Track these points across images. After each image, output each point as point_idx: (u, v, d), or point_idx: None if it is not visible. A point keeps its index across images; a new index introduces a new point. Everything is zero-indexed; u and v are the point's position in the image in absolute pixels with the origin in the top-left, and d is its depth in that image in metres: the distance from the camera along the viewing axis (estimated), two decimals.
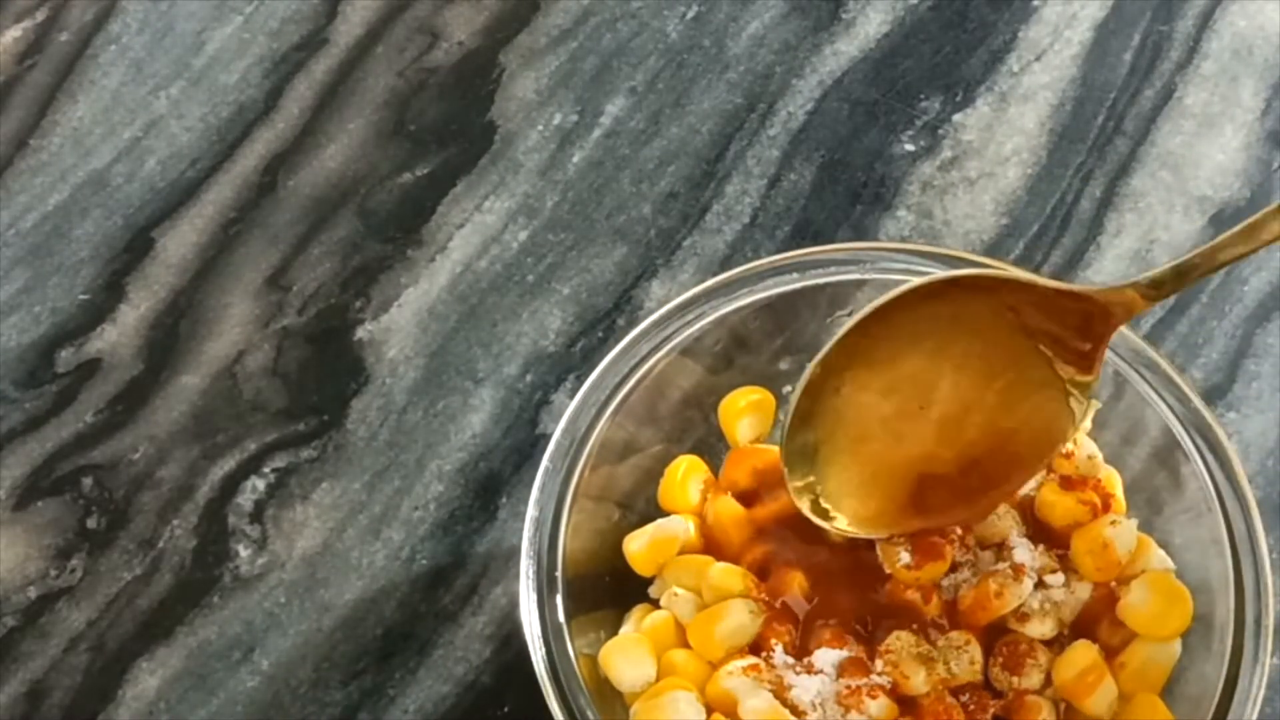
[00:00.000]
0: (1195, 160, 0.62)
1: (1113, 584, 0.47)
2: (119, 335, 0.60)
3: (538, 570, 0.46)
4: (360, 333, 0.60)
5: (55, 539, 0.56)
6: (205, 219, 0.62)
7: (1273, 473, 0.56)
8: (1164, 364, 0.48)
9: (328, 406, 0.58)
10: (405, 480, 0.57)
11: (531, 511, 0.47)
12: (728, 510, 0.49)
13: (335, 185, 0.63)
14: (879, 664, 0.45)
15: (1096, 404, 0.49)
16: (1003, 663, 0.46)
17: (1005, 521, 0.47)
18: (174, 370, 0.59)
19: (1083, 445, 0.48)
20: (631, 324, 0.55)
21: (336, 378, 0.59)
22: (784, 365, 0.53)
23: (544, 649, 0.45)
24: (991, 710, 0.46)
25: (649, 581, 0.50)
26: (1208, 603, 0.46)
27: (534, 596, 0.46)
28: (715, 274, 0.51)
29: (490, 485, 0.57)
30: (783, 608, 0.47)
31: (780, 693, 0.45)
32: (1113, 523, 0.47)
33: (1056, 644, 0.47)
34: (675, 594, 0.48)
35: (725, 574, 0.47)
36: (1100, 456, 0.49)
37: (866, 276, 0.50)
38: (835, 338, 0.45)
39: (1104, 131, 0.63)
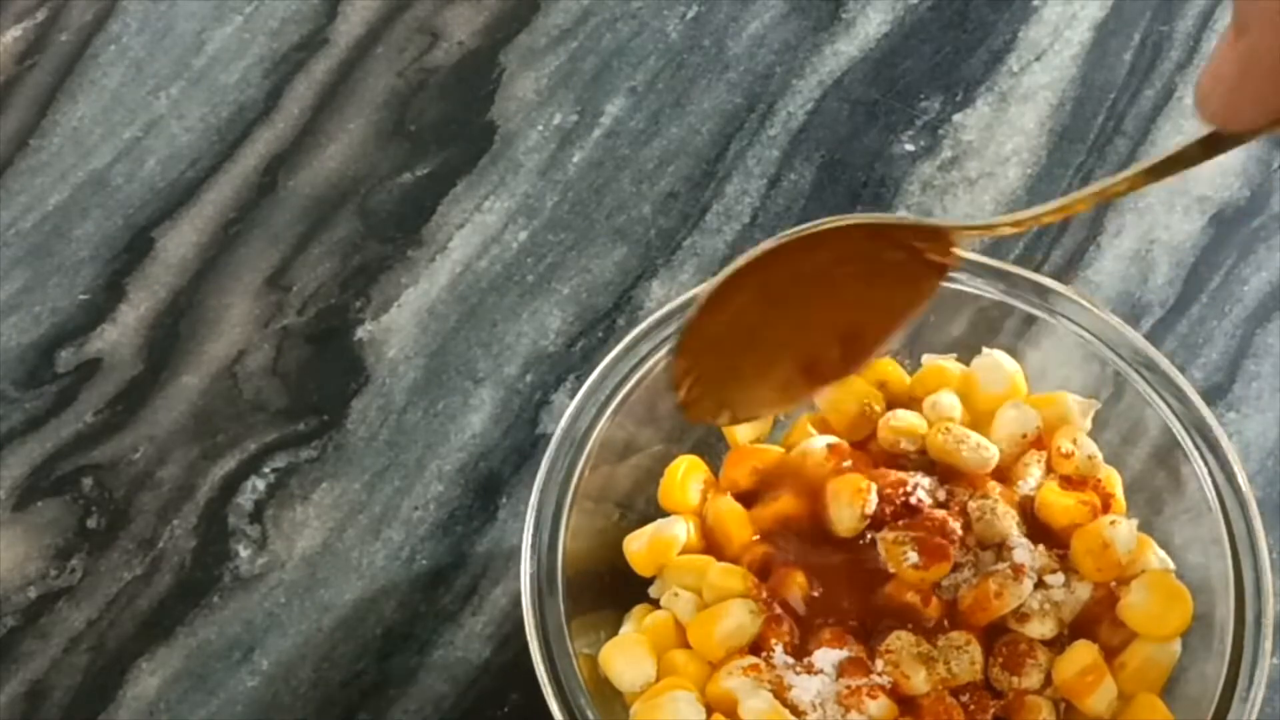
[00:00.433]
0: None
1: (1113, 584, 0.47)
2: (119, 335, 0.60)
3: (538, 570, 0.46)
4: (360, 333, 0.60)
5: (55, 539, 0.56)
6: (205, 219, 0.62)
7: (1273, 473, 0.56)
8: (1164, 364, 0.48)
9: (328, 406, 0.58)
10: (405, 480, 0.57)
11: (531, 511, 0.47)
12: (728, 510, 0.49)
13: (335, 185, 0.63)
14: (879, 664, 0.45)
15: (1096, 403, 0.49)
16: (1002, 663, 0.46)
17: (1005, 521, 0.47)
18: (174, 370, 0.59)
19: (1083, 445, 0.48)
20: (631, 324, 0.55)
21: (336, 378, 0.59)
22: None
23: (544, 649, 0.45)
24: (991, 710, 0.46)
25: (649, 581, 0.50)
26: (1208, 602, 0.46)
27: (534, 596, 0.46)
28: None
29: (490, 485, 0.57)
30: (783, 607, 0.47)
31: (780, 693, 0.45)
32: (1112, 523, 0.47)
33: (1056, 644, 0.47)
34: (675, 594, 0.48)
35: (725, 574, 0.47)
36: (1100, 456, 0.49)
37: None
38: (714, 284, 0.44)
39: (1104, 131, 0.63)
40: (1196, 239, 0.60)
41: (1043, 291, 0.49)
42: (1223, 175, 0.62)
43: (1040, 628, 0.46)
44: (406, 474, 0.57)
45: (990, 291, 0.49)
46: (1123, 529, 0.47)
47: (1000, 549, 0.47)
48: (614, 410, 0.49)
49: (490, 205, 0.62)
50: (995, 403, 0.50)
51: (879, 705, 0.45)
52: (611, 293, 0.60)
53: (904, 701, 0.45)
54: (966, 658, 0.46)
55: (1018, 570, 0.46)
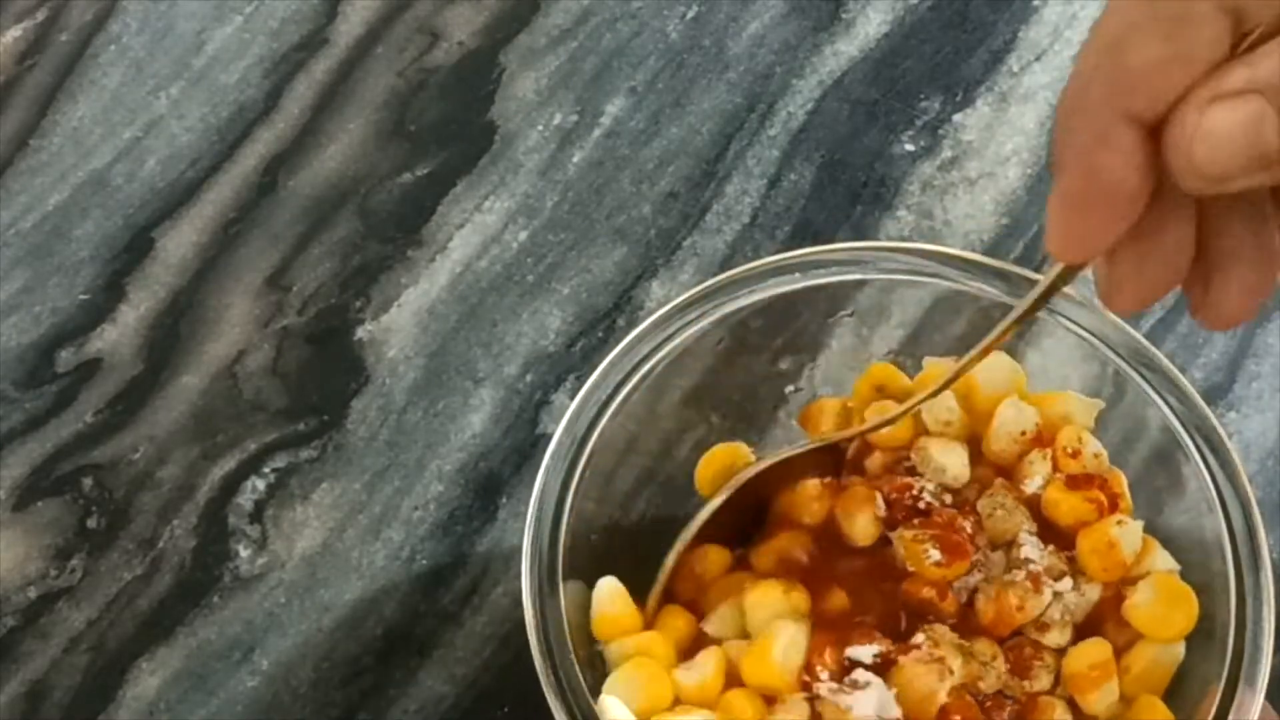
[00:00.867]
0: None
1: (1120, 586, 0.47)
2: (119, 335, 0.60)
3: (538, 569, 0.46)
4: (360, 333, 0.60)
5: (55, 539, 0.56)
6: (205, 219, 0.62)
7: (1273, 473, 0.56)
8: (1165, 364, 0.48)
9: (328, 406, 0.58)
10: (405, 480, 0.57)
11: (532, 510, 0.47)
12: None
13: (335, 185, 0.63)
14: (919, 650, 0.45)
15: (1100, 403, 0.49)
16: (1010, 668, 0.46)
17: (1016, 517, 0.47)
18: (174, 370, 0.59)
19: (1088, 443, 0.48)
20: (631, 324, 0.55)
21: (336, 378, 0.59)
22: (784, 365, 0.53)
23: (544, 647, 0.45)
24: (1007, 710, 0.46)
25: (651, 582, 0.50)
26: (1208, 603, 0.46)
27: (535, 595, 0.46)
28: (715, 274, 0.51)
29: (490, 485, 0.57)
30: (820, 622, 0.47)
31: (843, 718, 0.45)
32: (1119, 522, 0.47)
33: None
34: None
35: (765, 590, 0.47)
36: (1105, 455, 0.49)
37: (867, 277, 0.50)
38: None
39: None
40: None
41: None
42: None
43: (1059, 638, 0.46)
44: (406, 474, 0.57)
45: (990, 291, 0.49)
46: (1129, 529, 0.47)
47: (1009, 547, 0.47)
48: (615, 410, 0.49)
49: (490, 205, 0.62)
50: (996, 405, 0.50)
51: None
52: (611, 293, 0.60)
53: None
54: (994, 672, 0.46)
55: (1035, 580, 0.46)
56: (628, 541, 0.51)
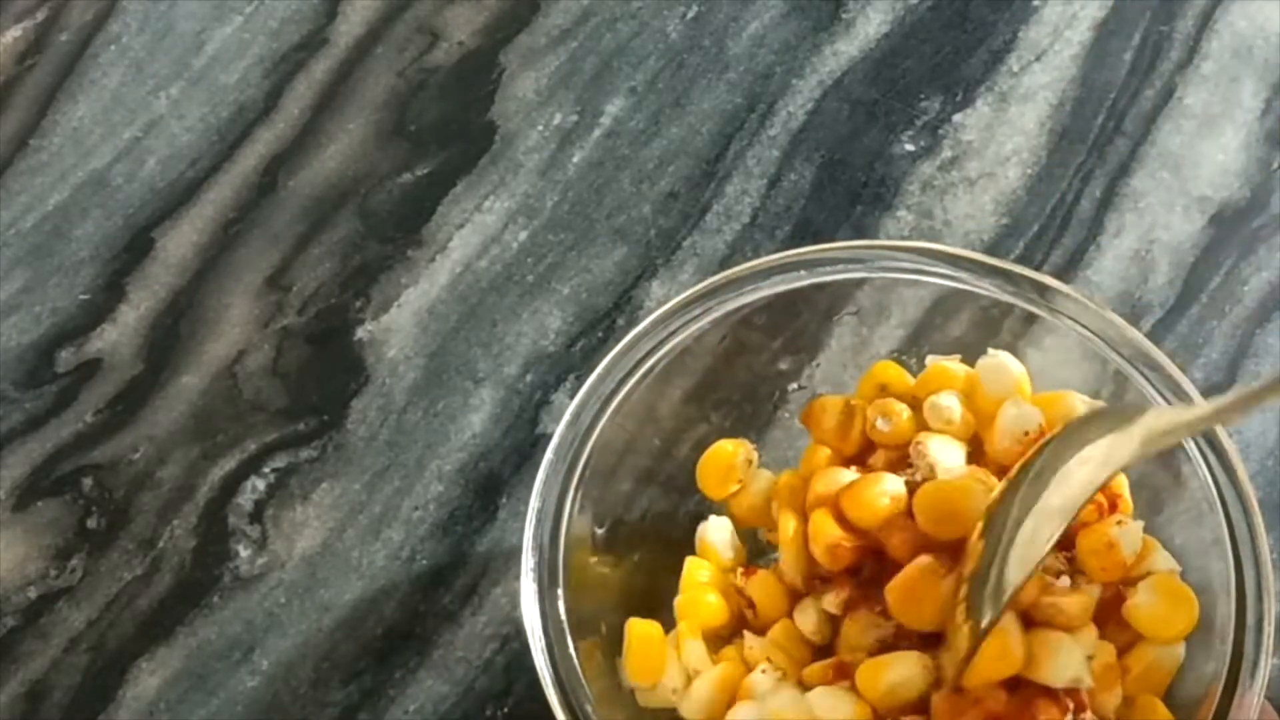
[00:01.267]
0: (1195, 160, 0.62)
1: (1120, 587, 0.47)
2: (119, 335, 0.60)
3: (539, 567, 0.46)
4: (360, 333, 0.60)
5: (55, 539, 0.56)
6: (205, 219, 0.62)
7: (1273, 473, 0.56)
8: (1166, 364, 0.48)
9: (328, 406, 0.58)
10: (405, 480, 0.57)
11: (533, 508, 0.47)
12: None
13: (335, 185, 0.63)
14: None
15: (1101, 404, 0.49)
16: None
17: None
18: (174, 370, 0.59)
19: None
20: (631, 324, 0.55)
21: (336, 378, 0.59)
22: (784, 365, 0.53)
23: (545, 646, 0.45)
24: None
25: (651, 585, 0.50)
26: (1209, 604, 0.46)
27: (535, 593, 0.46)
28: (715, 274, 0.51)
29: (490, 485, 0.57)
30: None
31: None
32: (1119, 523, 0.47)
33: None
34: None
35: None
36: None
37: (867, 275, 0.50)
38: None
39: (1104, 131, 0.63)
40: (1196, 239, 0.60)
41: (1044, 290, 0.49)
42: (1223, 175, 0.62)
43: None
44: (406, 474, 0.57)
45: (991, 290, 0.49)
46: (1129, 529, 0.46)
47: None
48: (615, 408, 0.49)
49: (490, 205, 0.62)
50: (999, 405, 0.49)
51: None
52: (611, 293, 0.60)
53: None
54: None
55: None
56: (628, 541, 0.51)
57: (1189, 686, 0.46)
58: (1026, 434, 0.49)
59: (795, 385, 0.54)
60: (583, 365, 0.59)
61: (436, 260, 0.61)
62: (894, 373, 0.51)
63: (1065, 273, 0.60)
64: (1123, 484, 0.49)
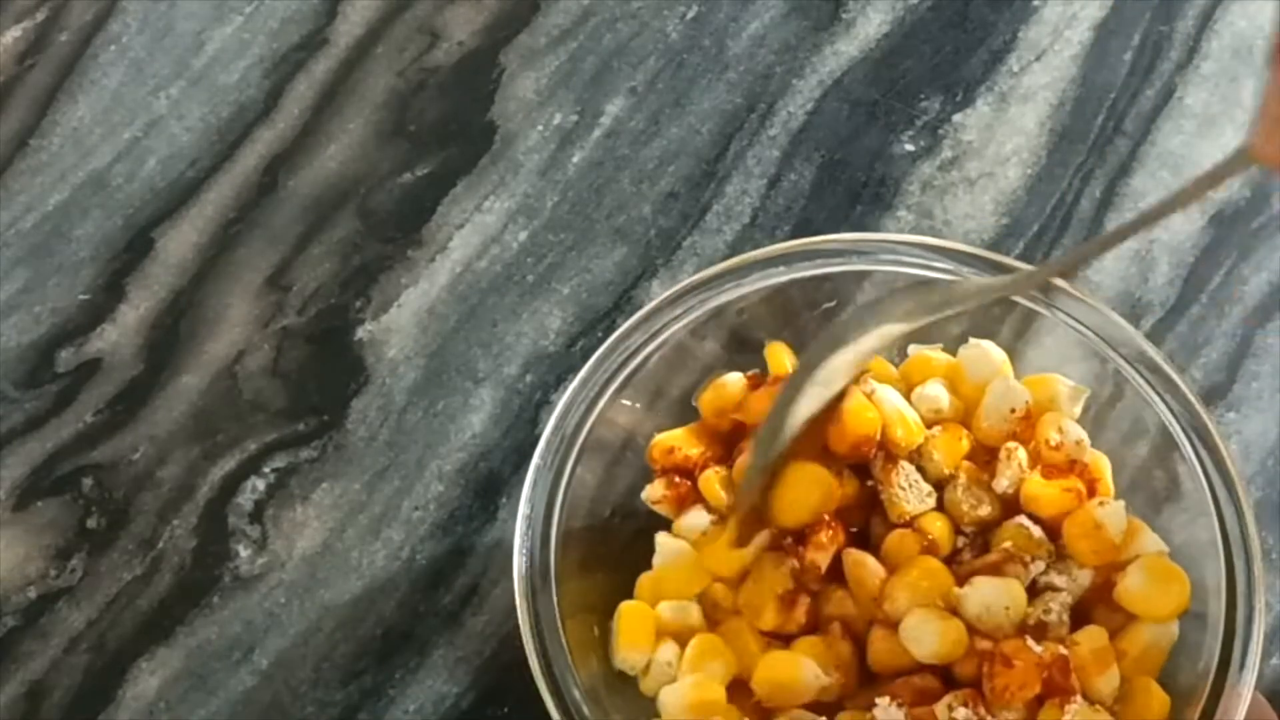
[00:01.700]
0: (1195, 160, 0.62)
1: (1109, 573, 0.47)
2: (119, 335, 0.60)
3: (530, 566, 0.47)
4: (360, 333, 0.60)
5: (55, 539, 0.56)
6: (205, 219, 0.62)
7: (1273, 473, 0.56)
8: (1164, 365, 0.48)
9: (328, 406, 0.58)
10: (405, 480, 0.57)
11: (523, 508, 0.47)
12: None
13: (335, 185, 0.63)
14: None
15: (1087, 390, 0.49)
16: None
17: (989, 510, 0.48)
18: (174, 370, 0.59)
19: (1069, 431, 0.48)
20: None
21: (336, 378, 0.59)
22: None
23: (537, 644, 0.46)
24: None
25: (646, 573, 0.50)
26: (1203, 602, 0.46)
27: (527, 592, 0.46)
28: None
29: (490, 485, 0.57)
30: None
31: None
32: (1101, 504, 0.47)
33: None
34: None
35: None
36: (1087, 440, 0.49)
37: (864, 268, 0.50)
38: None
39: (1104, 131, 0.63)
40: (1196, 239, 0.60)
41: (1044, 287, 0.49)
42: None
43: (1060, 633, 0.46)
44: (406, 474, 0.57)
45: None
46: (1112, 509, 0.47)
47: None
48: (605, 405, 0.49)
49: (490, 205, 0.62)
50: (983, 392, 0.50)
51: None
52: (611, 293, 0.60)
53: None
54: None
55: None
56: (621, 539, 0.51)
57: (1181, 682, 0.46)
58: (1013, 411, 0.49)
59: None
60: (583, 365, 0.58)
61: (436, 260, 0.61)
62: (876, 362, 0.52)
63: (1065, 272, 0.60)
64: (1104, 468, 0.49)
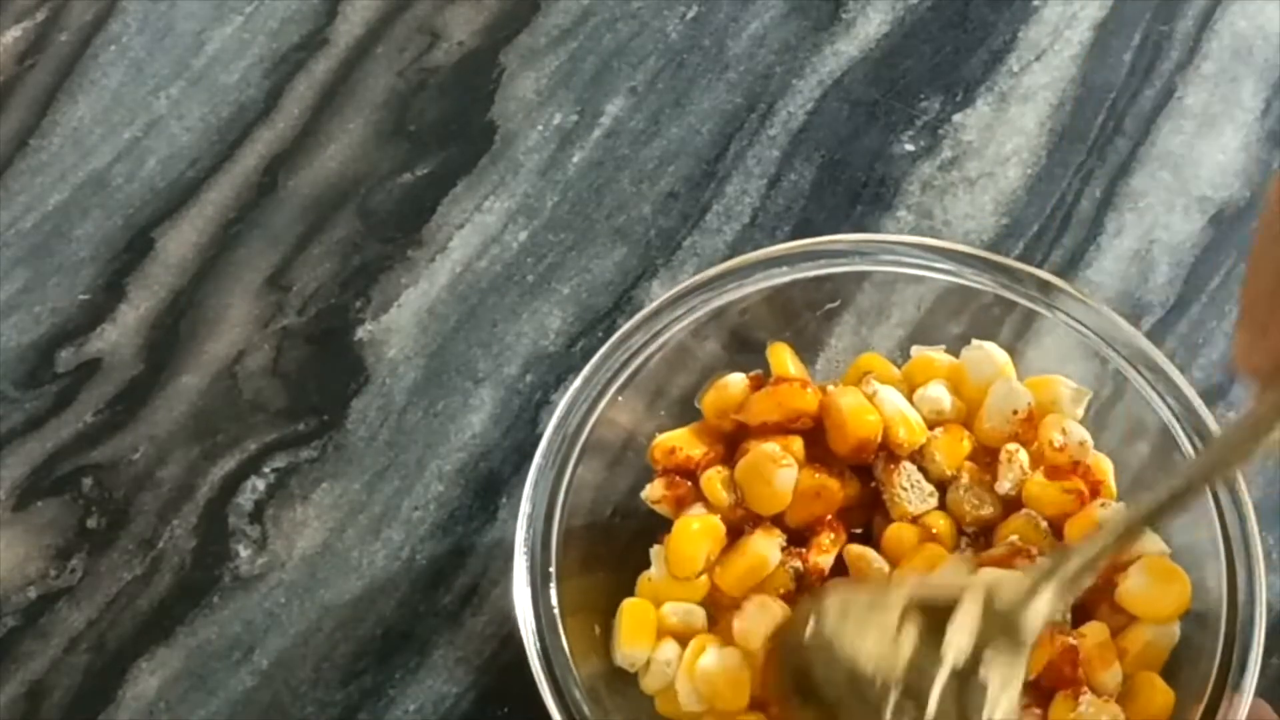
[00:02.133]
0: (1195, 160, 0.62)
1: (1111, 574, 0.47)
2: (119, 335, 0.60)
3: (531, 565, 0.47)
4: (360, 333, 0.60)
5: (55, 539, 0.56)
6: (205, 219, 0.62)
7: (1273, 473, 0.56)
8: (1165, 365, 0.48)
9: (328, 406, 0.58)
10: (405, 480, 0.57)
11: (524, 507, 0.47)
12: None
13: (335, 185, 0.63)
14: None
15: (1089, 391, 0.49)
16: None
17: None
18: (174, 370, 0.59)
19: (1072, 432, 0.48)
20: None
21: (336, 378, 0.59)
22: None
23: (539, 643, 0.46)
24: None
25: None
26: (1204, 603, 0.46)
27: (528, 591, 0.46)
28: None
29: (490, 485, 0.57)
30: None
31: None
32: (1103, 505, 0.47)
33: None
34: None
35: None
36: (1090, 442, 0.49)
37: (864, 268, 0.50)
38: None
39: (1104, 131, 0.63)
40: (1196, 239, 0.60)
41: (1045, 287, 0.49)
42: (1223, 175, 0.62)
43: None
44: (406, 474, 0.57)
45: (992, 286, 0.49)
46: (1114, 510, 0.47)
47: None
48: (605, 405, 0.49)
49: (490, 205, 0.62)
50: (985, 393, 0.50)
51: None
52: (611, 293, 0.60)
53: None
54: None
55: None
56: (622, 539, 0.51)
57: (1184, 683, 0.46)
58: (1015, 413, 0.49)
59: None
60: (583, 365, 0.58)
61: (436, 260, 0.61)
62: (879, 364, 0.52)
63: (1065, 272, 0.60)
64: (1105, 470, 0.49)
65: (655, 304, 0.50)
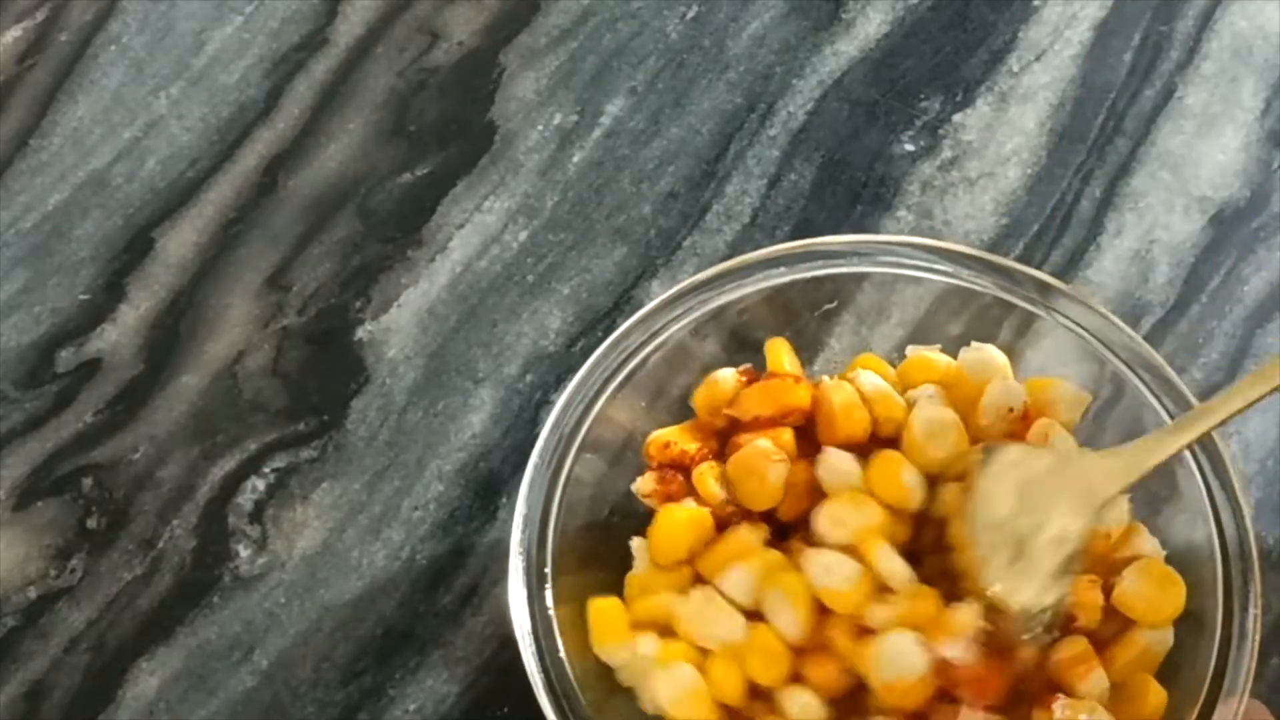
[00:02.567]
0: (1195, 160, 0.62)
1: (1107, 577, 0.47)
2: (119, 335, 0.60)
3: (527, 566, 0.47)
4: (360, 333, 0.60)
5: (55, 539, 0.56)
6: (205, 219, 0.62)
7: (1273, 473, 0.56)
8: (1163, 366, 0.48)
9: (328, 406, 0.58)
10: (405, 480, 0.57)
11: (520, 508, 0.47)
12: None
13: (335, 185, 0.63)
14: None
15: (1088, 396, 0.49)
16: None
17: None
18: (174, 370, 0.59)
19: (1057, 437, 0.48)
20: None
21: (336, 378, 0.59)
22: None
23: (536, 649, 0.46)
24: None
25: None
26: (1201, 604, 0.46)
27: (524, 592, 0.46)
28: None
29: (490, 485, 0.57)
30: None
31: None
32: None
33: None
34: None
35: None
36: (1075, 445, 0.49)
37: (864, 269, 0.50)
38: None
39: (1104, 131, 0.63)
40: (1196, 239, 0.60)
41: (1044, 289, 0.49)
42: (1222, 175, 0.62)
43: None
44: (406, 474, 0.57)
45: (991, 288, 0.49)
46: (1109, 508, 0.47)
47: None
48: (603, 405, 0.49)
49: (490, 205, 0.62)
50: (981, 392, 0.50)
51: None
52: (611, 293, 0.60)
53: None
54: None
55: None
56: (620, 538, 0.51)
57: (1180, 683, 0.46)
58: (1011, 410, 0.49)
59: None
60: (583, 365, 0.59)
61: (436, 260, 0.61)
62: (875, 364, 0.52)
63: (1065, 273, 0.60)
64: None
65: (654, 303, 0.50)
